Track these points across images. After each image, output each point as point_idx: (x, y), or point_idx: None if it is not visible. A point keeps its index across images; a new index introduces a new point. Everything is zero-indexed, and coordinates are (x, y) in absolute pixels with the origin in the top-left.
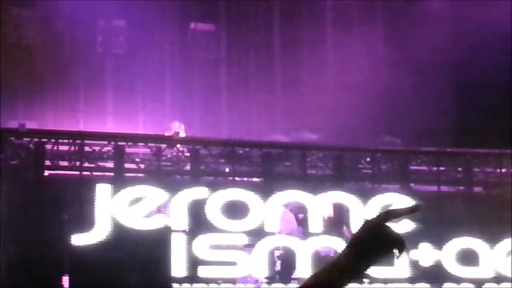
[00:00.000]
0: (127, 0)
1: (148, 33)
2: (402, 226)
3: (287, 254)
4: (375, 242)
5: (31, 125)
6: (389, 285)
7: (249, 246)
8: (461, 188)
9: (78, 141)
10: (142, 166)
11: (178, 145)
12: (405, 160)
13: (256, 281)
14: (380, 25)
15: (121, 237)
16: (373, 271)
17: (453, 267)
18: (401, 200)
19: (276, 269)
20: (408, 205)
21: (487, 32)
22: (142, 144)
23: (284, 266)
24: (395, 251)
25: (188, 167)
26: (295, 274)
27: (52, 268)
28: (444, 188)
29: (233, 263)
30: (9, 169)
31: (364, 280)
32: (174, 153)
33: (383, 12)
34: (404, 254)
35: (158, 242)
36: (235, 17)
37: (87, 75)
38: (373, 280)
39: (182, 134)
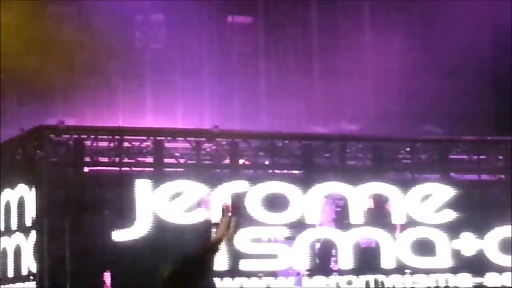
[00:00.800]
0: None
1: (185, 27)
2: (444, 217)
3: (328, 246)
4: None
5: (70, 122)
6: (431, 275)
7: (290, 239)
8: (502, 176)
9: (117, 137)
10: (181, 160)
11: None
12: (445, 149)
13: (298, 274)
14: (418, 16)
15: (162, 232)
16: (415, 262)
17: (495, 256)
18: (441, 190)
19: (317, 261)
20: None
21: None
22: (181, 138)
23: (325, 258)
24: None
25: (227, 161)
26: (336, 266)
27: (94, 264)
28: (484, 176)
29: (274, 256)
30: (49, 166)
31: (406, 271)
32: (214, 147)
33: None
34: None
35: (199, 236)
36: (272, 9)
37: (126, 71)
38: (415, 271)
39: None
